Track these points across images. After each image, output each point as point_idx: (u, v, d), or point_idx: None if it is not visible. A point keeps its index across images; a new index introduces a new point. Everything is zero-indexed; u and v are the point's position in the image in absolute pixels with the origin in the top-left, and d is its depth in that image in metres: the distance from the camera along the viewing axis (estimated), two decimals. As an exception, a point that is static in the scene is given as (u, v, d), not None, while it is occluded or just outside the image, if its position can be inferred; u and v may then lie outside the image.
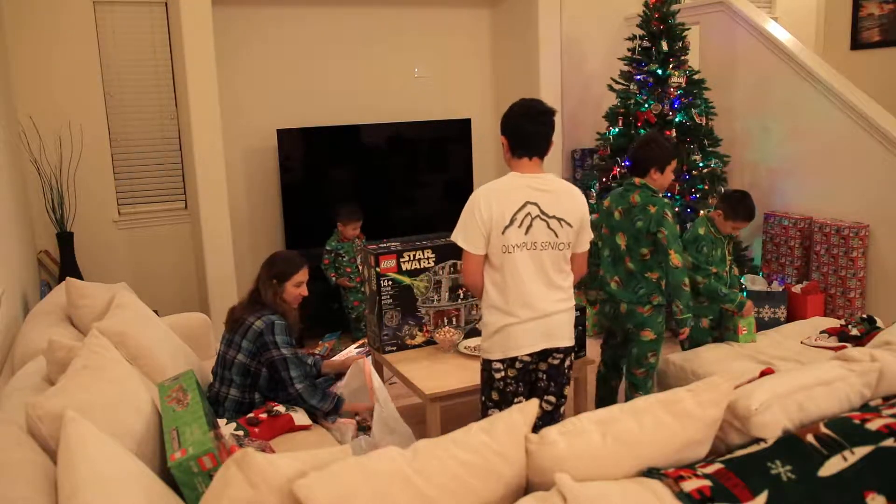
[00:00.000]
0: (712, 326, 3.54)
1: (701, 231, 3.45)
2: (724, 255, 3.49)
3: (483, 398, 2.67)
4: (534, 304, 2.51)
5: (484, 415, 2.67)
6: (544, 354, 2.60)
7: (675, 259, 3.04)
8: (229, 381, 2.77)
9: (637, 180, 3.16)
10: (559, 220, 2.50)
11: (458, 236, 2.52)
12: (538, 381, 2.65)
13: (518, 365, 2.57)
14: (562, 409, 2.71)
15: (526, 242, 2.48)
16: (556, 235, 2.51)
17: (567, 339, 2.60)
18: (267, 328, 2.73)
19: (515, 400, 2.62)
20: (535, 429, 2.54)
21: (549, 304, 2.53)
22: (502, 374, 2.59)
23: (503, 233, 2.46)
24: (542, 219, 2.48)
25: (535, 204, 2.48)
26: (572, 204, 2.53)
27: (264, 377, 2.79)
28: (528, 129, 2.50)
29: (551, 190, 2.51)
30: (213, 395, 2.81)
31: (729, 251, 3.57)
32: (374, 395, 2.82)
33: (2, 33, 4.29)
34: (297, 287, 2.88)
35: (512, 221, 2.46)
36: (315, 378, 3.09)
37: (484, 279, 2.56)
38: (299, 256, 2.96)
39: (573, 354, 2.69)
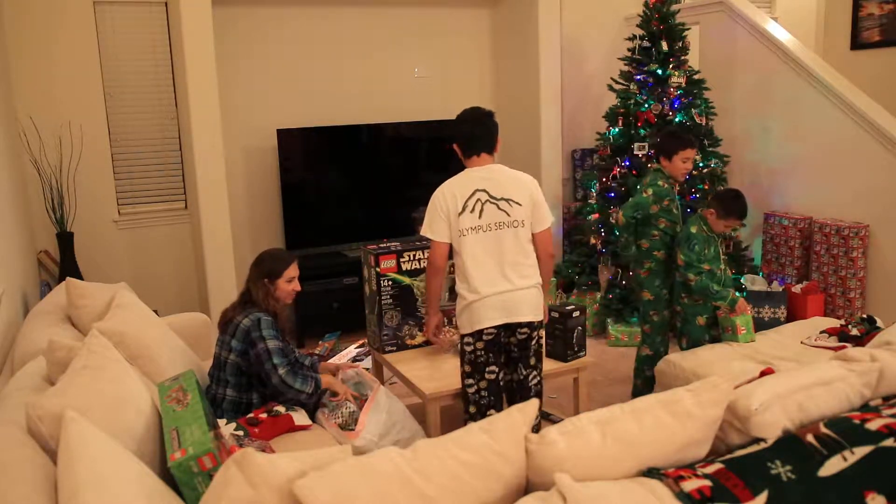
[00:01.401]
0: (709, 325, 3.54)
1: (693, 229, 3.47)
2: (717, 254, 3.49)
3: (461, 369, 2.96)
4: (492, 282, 2.81)
5: (462, 384, 2.96)
6: (511, 329, 2.89)
7: (620, 217, 3.53)
8: (225, 381, 2.77)
9: (654, 165, 3.65)
10: (507, 200, 2.82)
11: (426, 230, 2.86)
12: (511, 353, 2.96)
13: (485, 337, 2.86)
14: (538, 378, 2.99)
15: (481, 225, 2.80)
16: (509, 214, 2.82)
17: (531, 315, 2.87)
18: (253, 325, 2.73)
19: (487, 370, 2.90)
20: (512, 391, 2.92)
21: (509, 281, 2.82)
22: (472, 346, 2.88)
23: (458, 218, 2.80)
24: (491, 202, 2.81)
25: (484, 190, 2.82)
26: (519, 186, 2.86)
27: (260, 381, 2.77)
28: (475, 133, 2.87)
29: (498, 177, 2.85)
30: (210, 397, 2.80)
31: (723, 250, 3.58)
32: (375, 399, 2.81)
33: (2, 33, 4.29)
34: (289, 283, 2.88)
35: (464, 208, 2.80)
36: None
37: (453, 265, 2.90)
38: (288, 252, 3.01)
39: (541, 330, 2.99)
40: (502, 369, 2.95)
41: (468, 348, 2.88)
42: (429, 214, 2.87)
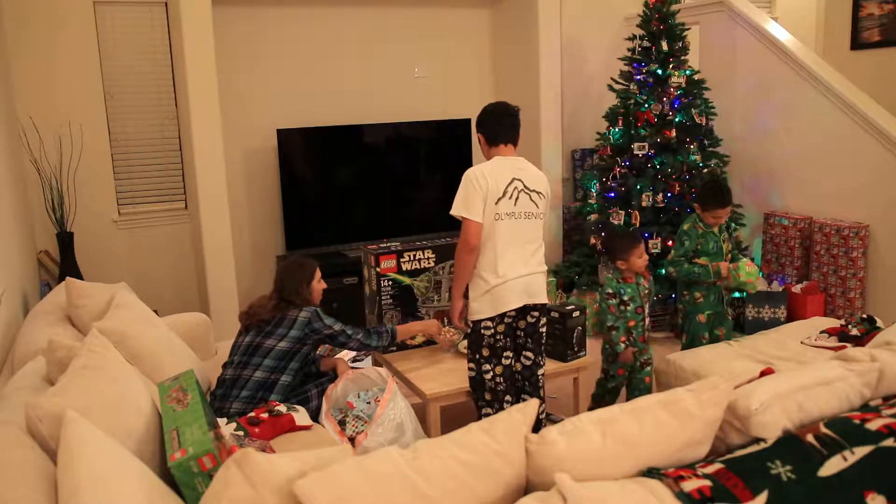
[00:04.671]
0: (710, 322, 3.55)
1: (685, 227, 3.54)
2: (719, 249, 3.51)
3: (476, 356, 2.99)
4: (518, 266, 2.90)
5: (479, 370, 3.00)
6: (524, 312, 2.99)
7: None
8: (256, 365, 2.90)
9: None
10: (538, 193, 2.96)
11: (460, 208, 2.86)
12: (517, 339, 3.05)
13: (507, 320, 2.96)
14: (541, 372, 3.06)
15: (514, 212, 2.89)
16: (537, 206, 2.96)
17: (542, 297, 3.00)
18: (314, 316, 2.99)
19: (504, 354, 2.98)
20: (515, 379, 2.97)
21: (530, 266, 2.94)
22: (492, 331, 2.95)
23: (496, 203, 2.85)
24: (525, 192, 2.92)
25: (520, 180, 2.91)
26: (543, 181, 3.01)
27: (302, 354, 2.98)
28: (503, 124, 2.98)
29: (528, 169, 2.98)
30: (230, 381, 2.89)
31: (727, 246, 3.58)
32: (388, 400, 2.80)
33: (2, 33, 4.29)
34: (319, 283, 3.19)
35: (504, 193, 2.87)
36: (318, 376, 3.20)
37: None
38: (307, 257, 3.31)
39: (547, 315, 3.13)
40: (513, 356, 3.04)
41: (487, 332, 2.95)
42: (465, 195, 2.86)
